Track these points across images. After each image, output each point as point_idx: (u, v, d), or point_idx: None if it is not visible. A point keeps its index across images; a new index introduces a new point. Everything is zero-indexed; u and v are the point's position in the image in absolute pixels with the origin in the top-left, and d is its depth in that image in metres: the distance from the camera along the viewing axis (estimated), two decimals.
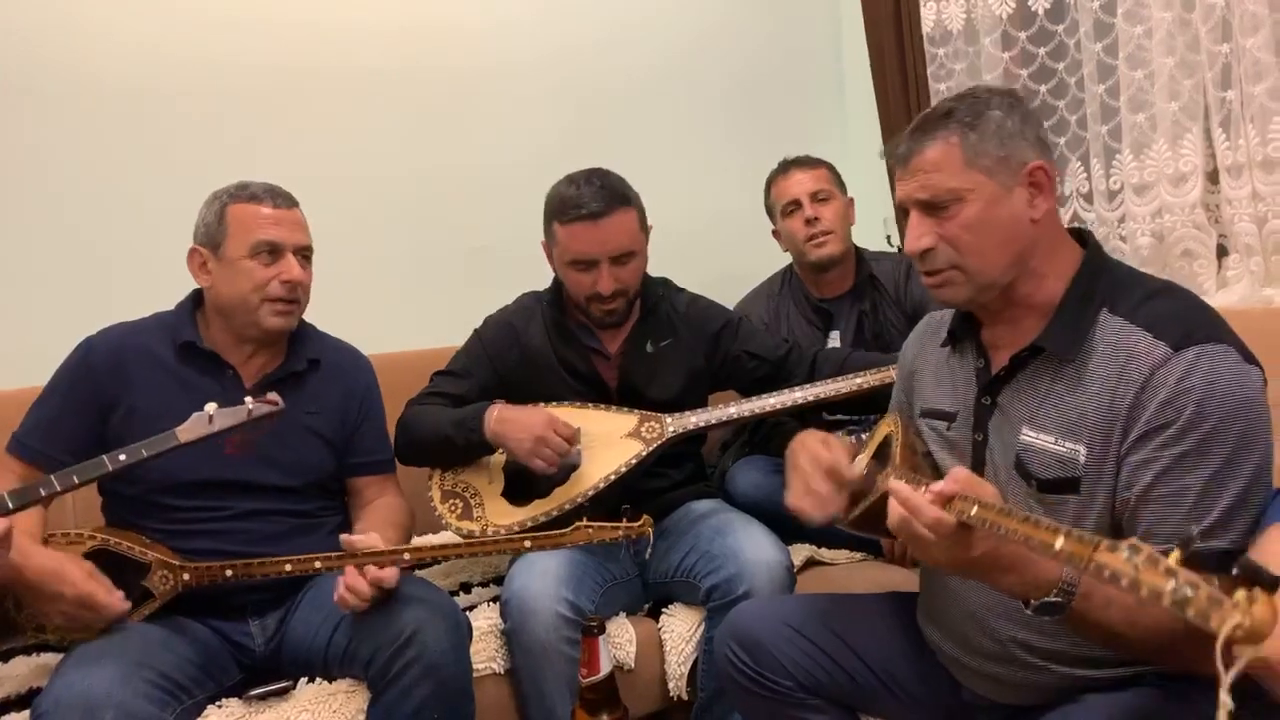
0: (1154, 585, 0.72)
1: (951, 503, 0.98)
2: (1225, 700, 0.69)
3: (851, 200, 2.35)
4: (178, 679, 1.37)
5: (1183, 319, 1.10)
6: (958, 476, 1.01)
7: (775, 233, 2.39)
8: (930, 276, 1.23)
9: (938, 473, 1.32)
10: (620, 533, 1.45)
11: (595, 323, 1.89)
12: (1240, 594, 0.67)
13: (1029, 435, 1.17)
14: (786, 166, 2.35)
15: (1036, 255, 1.18)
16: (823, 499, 1.31)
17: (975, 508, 0.95)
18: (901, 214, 1.26)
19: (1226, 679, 0.68)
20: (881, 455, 1.35)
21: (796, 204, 2.27)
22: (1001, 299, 1.21)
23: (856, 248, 2.34)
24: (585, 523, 1.45)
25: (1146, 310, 1.12)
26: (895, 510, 1.03)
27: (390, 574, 1.42)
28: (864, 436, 1.44)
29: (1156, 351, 1.07)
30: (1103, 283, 1.17)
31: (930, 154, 1.17)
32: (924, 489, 1.03)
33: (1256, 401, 1.05)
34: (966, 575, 1.03)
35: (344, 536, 1.46)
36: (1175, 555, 0.72)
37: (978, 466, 1.24)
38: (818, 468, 1.31)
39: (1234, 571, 0.69)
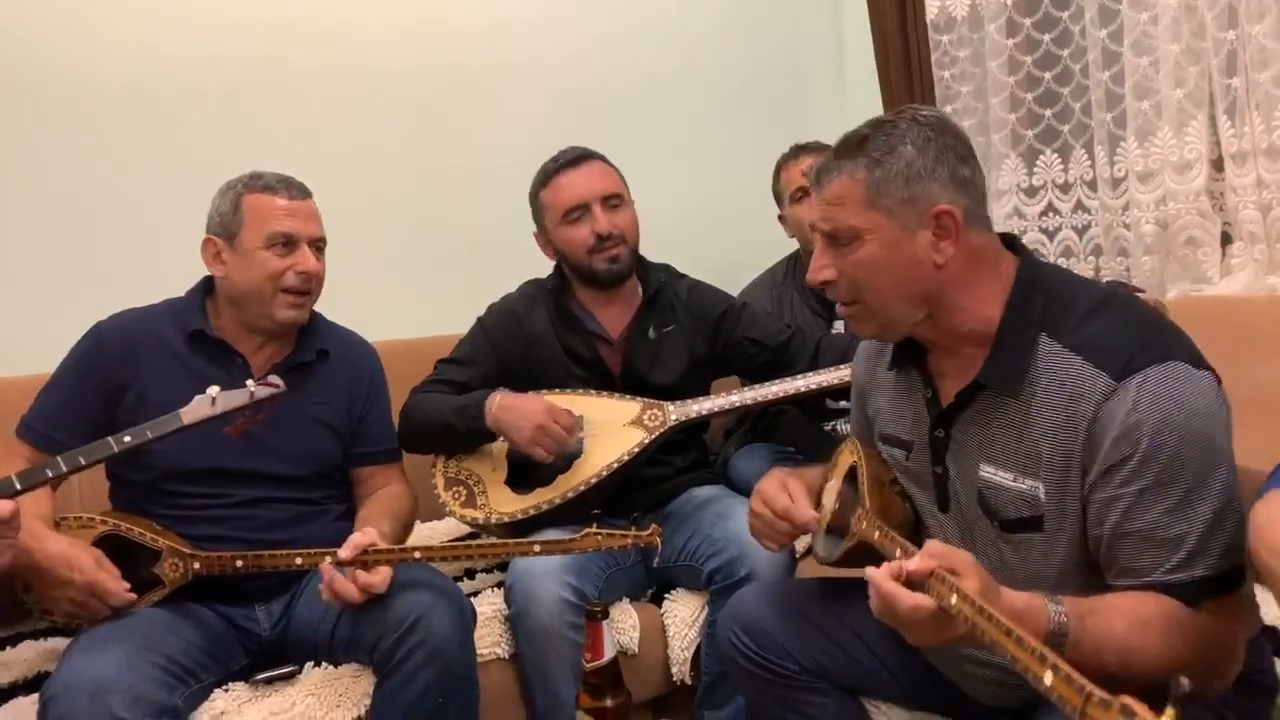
0: None
1: (929, 581, 0.95)
2: None
3: None
4: (185, 663, 1.38)
5: (1122, 342, 1.05)
6: (932, 552, 0.97)
7: (781, 218, 2.38)
8: (840, 307, 1.22)
9: (907, 500, 1.31)
10: (629, 541, 1.44)
11: (602, 280, 1.89)
12: None
13: (987, 472, 1.15)
14: (797, 152, 2.33)
15: (951, 293, 1.14)
16: (780, 536, 1.35)
17: (955, 596, 0.91)
18: None
19: None
20: (852, 482, 1.34)
21: (806, 191, 2.25)
22: (929, 330, 1.18)
23: None
24: (594, 529, 1.44)
25: (1085, 334, 1.08)
26: (873, 596, 1.00)
27: (380, 579, 1.41)
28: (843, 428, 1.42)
29: (1099, 384, 1.04)
30: (1038, 302, 1.13)
31: (835, 187, 1.15)
32: (899, 554, 1.01)
33: (1211, 415, 1.02)
34: (952, 644, 0.99)
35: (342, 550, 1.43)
36: (1170, 715, 0.67)
37: (943, 500, 1.23)
38: (771, 512, 1.33)
39: None
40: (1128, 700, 0.68)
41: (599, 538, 1.43)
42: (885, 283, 1.14)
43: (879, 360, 1.35)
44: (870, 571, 1.01)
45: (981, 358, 1.14)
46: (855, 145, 1.14)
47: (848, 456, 1.38)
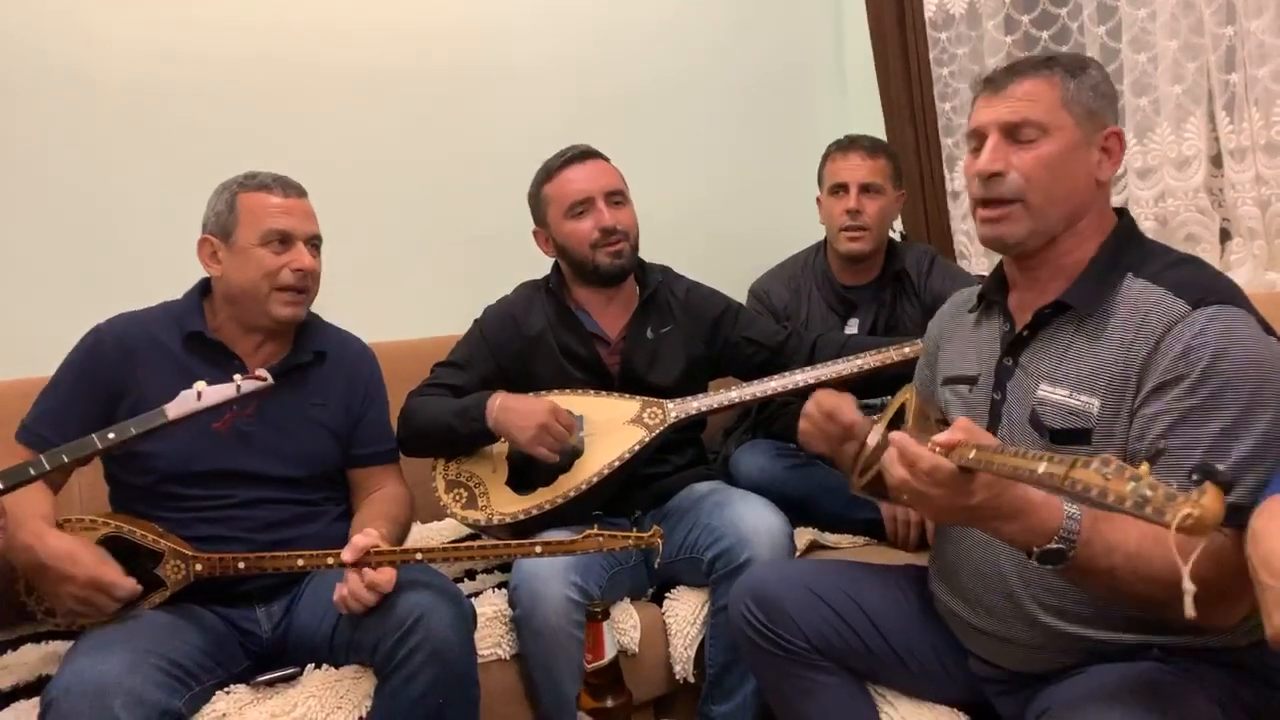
0: (1119, 491, 0.76)
1: (953, 451, 0.99)
2: (1189, 587, 0.75)
3: (901, 195, 2.28)
4: (186, 666, 1.38)
5: (1205, 284, 1.12)
6: (960, 425, 1.02)
7: (818, 199, 2.32)
8: (989, 208, 1.23)
9: None
10: (631, 541, 1.44)
11: (604, 275, 1.89)
12: (1193, 491, 0.73)
13: (1045, 390, 1.19)
14: (849, 146, 2.24)
15: (1087, 217, 1.21)
16: (827, 438, 1.40)
17: (973, 451, 0.96)
18: (971, 140, 1.27)
19: (1186, 567, 0.74)
20: (896, 424, 1.36)
21: (844, 188, 2.20)
22: (1042, 256, 1.23)
23: (890, 240, 2.28)
24: (595, 530, 1.44)
25: (1171, 274, 1.15)
26: (894, 463, 1.04)
27: (386, 577, 1.42)
28: (885, 401, 1.46)
29: (1176, 308, 1.10)
30: (1131, 251, 1.20)
31: (1029, 85, 1.20)
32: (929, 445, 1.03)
33: (1270, 365, 1.06)
34: (969, 523, 1.05)
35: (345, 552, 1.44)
36: (1144, 467, 0.77)
37: (993, 424, 1.26)
38: (822, 410, 1.39)
39: (1192, 476, 0.75)
40: (1107, 455, 0.81)
41: (600, 539, 1.43)
42: (1056, 186, 1.19)
43: (961, 309, 1.42)
44: (895, 435, 1.06)
45: (1064, 292, 1.20)
46: (1044, 60, 1.22)
47: (901, 397, 1.42)
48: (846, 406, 1.40)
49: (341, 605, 1.43)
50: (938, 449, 1.01)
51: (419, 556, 1.45)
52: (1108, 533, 1.00)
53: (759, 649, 1.41)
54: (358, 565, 1.41)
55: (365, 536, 1.44)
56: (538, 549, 1.47)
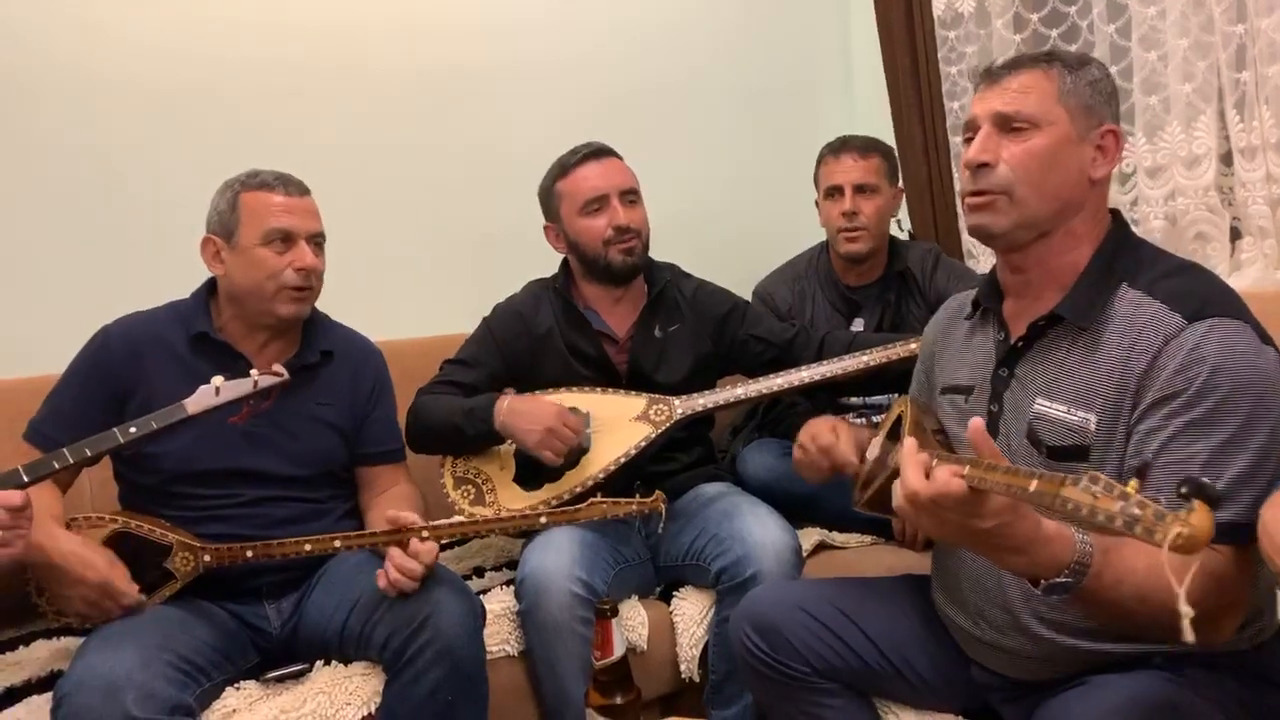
0: (1108, 510, 0.76)
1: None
2: (1186, 610, 0.73)
3: (899, 191, 2.27)
4: (197, 661, 1.39)
5: (1201, 294, 1.10)
6: (974, 427, 0.99)
7: (817, 203, 2.32)
8: (976, 197, 1.22)
9: (948, 449, 1.32)
10: (634, 507, 1.45)
11: (615, 273, 1.90)
12: (1182, 510, 0.72)
13: (1042, 405, 1.18)
14: (840, 147, 2.23)
15: (1079, 217, 1.20)
16: (819, 472, 1.42)
17: (968, 468, 0.95)
18: (967, 131, 1.27)
19: (1181, 588, 0.73)
20: (895, 436, 1.36)
21: (839, 190, 2.19)
22: (1033, 255, 1.22)
23: (892, 238, 2.28)
24: (600, 498, 1.46)
25: (1166, 285, 1.13)
26: (899, 490, 1.01)
27: (429, 548, 1.44)
28: (877, 420, 1.46)
29: (1171, 322, 1.08)
30: (1125, 258, 1.19)
31: (1026, 77, 1.20)
32: (934, 462, 1.02)
33: (1271, 378, 1.05)
34: (977, 549, 1.02)
35: (390, 514, 1.49)
36: (1133, 484, 0.76)
37: (991, 437, 1.24)
38: (816, 447, 1.39)
39: (1181, 491, 0.73)
40: (1095, 473, 0.80)
41: (604, 506, 1.45)
42: (1045, 178, 1.18)
43: (956, 315, 1.41)
44: (904, 457, 1.03)
45: (1059, 301, 1.19)
46: (1045, 55, 1.21)
47: (897, 408, 1.42)
48: (843, 443, 1.40)
49: (390, 589, 1.44)
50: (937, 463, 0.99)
51: (425, 534, 1.47)
52: (1116, 564, 0.98)
53: (763, 677, 1.41)
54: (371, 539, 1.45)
55: (405, 516, 1.48)
56: (543, 519, 1.49)
